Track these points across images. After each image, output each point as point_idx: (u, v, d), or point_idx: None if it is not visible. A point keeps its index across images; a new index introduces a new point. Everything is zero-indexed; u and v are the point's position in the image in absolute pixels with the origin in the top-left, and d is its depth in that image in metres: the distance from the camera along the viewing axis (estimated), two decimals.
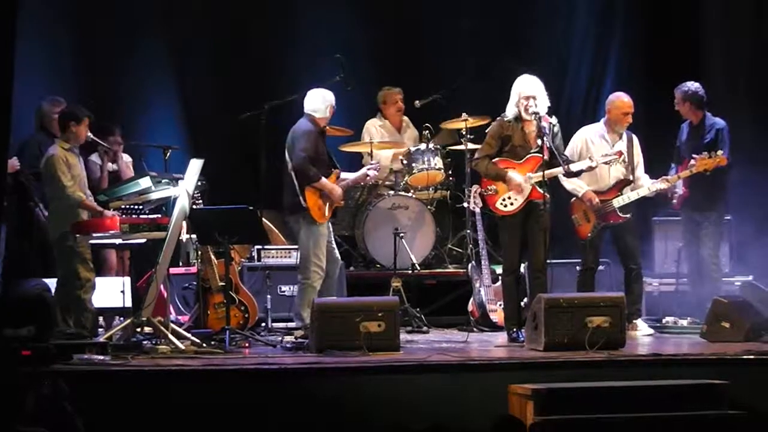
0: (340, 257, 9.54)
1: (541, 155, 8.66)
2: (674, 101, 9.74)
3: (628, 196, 9.31)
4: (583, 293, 8.99)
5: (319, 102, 9.28)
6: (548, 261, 8.84)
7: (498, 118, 8.88)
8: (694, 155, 9.36)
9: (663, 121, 10.16)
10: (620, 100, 9.46)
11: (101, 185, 9.83)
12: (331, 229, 9.44)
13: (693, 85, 9.69)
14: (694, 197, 9.59)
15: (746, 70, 11.12)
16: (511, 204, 8.74)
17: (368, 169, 9.84)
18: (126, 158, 10.27)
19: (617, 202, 9.29)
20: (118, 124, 10.27)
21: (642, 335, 9.24)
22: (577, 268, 9.57)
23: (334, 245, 9.43)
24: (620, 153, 9.10)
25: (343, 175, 9.60)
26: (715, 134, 9.62)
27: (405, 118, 11.22)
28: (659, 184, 9.40)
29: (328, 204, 9.21)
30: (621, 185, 9.35)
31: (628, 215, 9.34)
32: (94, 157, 10.08)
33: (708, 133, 9.64)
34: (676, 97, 9.73)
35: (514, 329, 8.73)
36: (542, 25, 11.85)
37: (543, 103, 8.72)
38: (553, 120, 8.82)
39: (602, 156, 9.05)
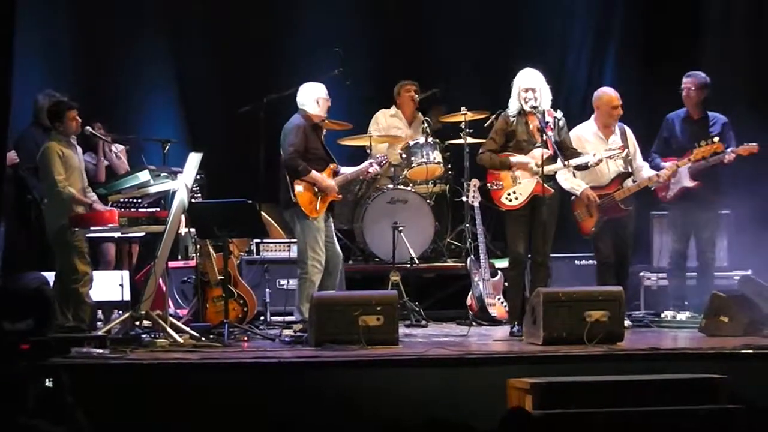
0: (341, 253, 9.50)
1: (546, 149, 8.64)
2: (686, 88, 9.59)
3: (629, 188, 9.30)
4: (580, 287, 8.98)
5: (307, 96, 9.24)
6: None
7: (501, 114, 8.86)
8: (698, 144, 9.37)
9: (661, 118, 10.14)
10: (607, 95, 9.39)
11: (97, 180, 9.79)
12: (332, 225, 9.39)
13: (706, 76, 9.66)
14: (703, 191, 9.56)
15: (746, 69, 11.10)
16: (516, 198, 8.71)
17: (371, 163, 9.68)
18: (117, 147, 10.17)
19: (618, 195, 9.28)
20: (99, 118, 10.17)
21: None
22: (577, 261, 9.54)
23: (335, 240, 9.39)
24: (623, 147, 9.09)
25: (344, 169, 9.56)
26: (721, 128, 9.58)
27: (420, 115, 11.15)
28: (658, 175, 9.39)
29: (320, 198, 9.13)
30: (621, 178, 9.33)
31: (629, 207, 9.31)
32: (87, 157, 9.99)
33: (712, 126, 9.61)
34: (693, 84, 9.59)
35: (515, 323, 8.73)
36: (541, 20, 11.82)
37: (545, 96, 8.70)
38: (558, 114, 8.79)
39: (606, 150, 9.02)
